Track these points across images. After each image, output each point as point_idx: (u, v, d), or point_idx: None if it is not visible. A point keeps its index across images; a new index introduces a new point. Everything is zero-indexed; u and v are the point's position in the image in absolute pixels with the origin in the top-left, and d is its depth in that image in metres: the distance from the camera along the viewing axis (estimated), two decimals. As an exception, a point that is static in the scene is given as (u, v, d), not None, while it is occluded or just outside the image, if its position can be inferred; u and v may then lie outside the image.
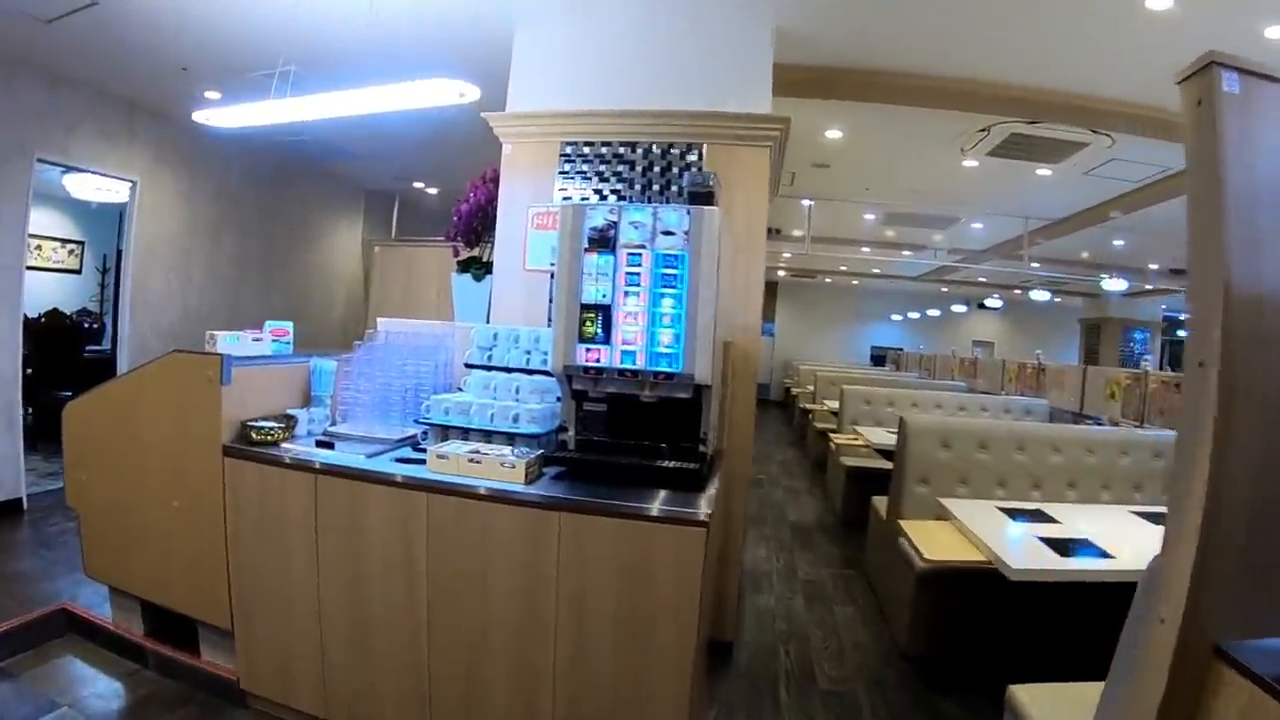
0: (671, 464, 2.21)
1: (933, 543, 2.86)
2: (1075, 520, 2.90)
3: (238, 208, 6.48)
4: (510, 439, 2.42)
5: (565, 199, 3.23)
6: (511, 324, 2.86)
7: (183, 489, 2.55)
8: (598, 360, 2.19)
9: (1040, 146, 5.72)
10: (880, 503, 4.21)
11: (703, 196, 2.32)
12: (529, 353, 2.71)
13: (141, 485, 2.64)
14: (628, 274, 2.18)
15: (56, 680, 2.69)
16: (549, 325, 3.17)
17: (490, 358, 2.74)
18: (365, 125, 5.73)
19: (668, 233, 2.17)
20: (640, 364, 2.17)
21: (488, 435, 2.45)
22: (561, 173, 3.25)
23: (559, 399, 2.51)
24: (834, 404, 6.99)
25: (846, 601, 4.07)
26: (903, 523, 3.33)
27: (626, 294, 2.18)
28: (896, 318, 19.96)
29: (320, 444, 2.47)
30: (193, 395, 2.50)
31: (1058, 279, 11.80)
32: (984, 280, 15.76)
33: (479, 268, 3.38)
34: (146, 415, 2.61)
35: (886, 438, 4.79)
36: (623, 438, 2.31)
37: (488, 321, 3.27)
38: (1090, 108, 4.61)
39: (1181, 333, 17.22)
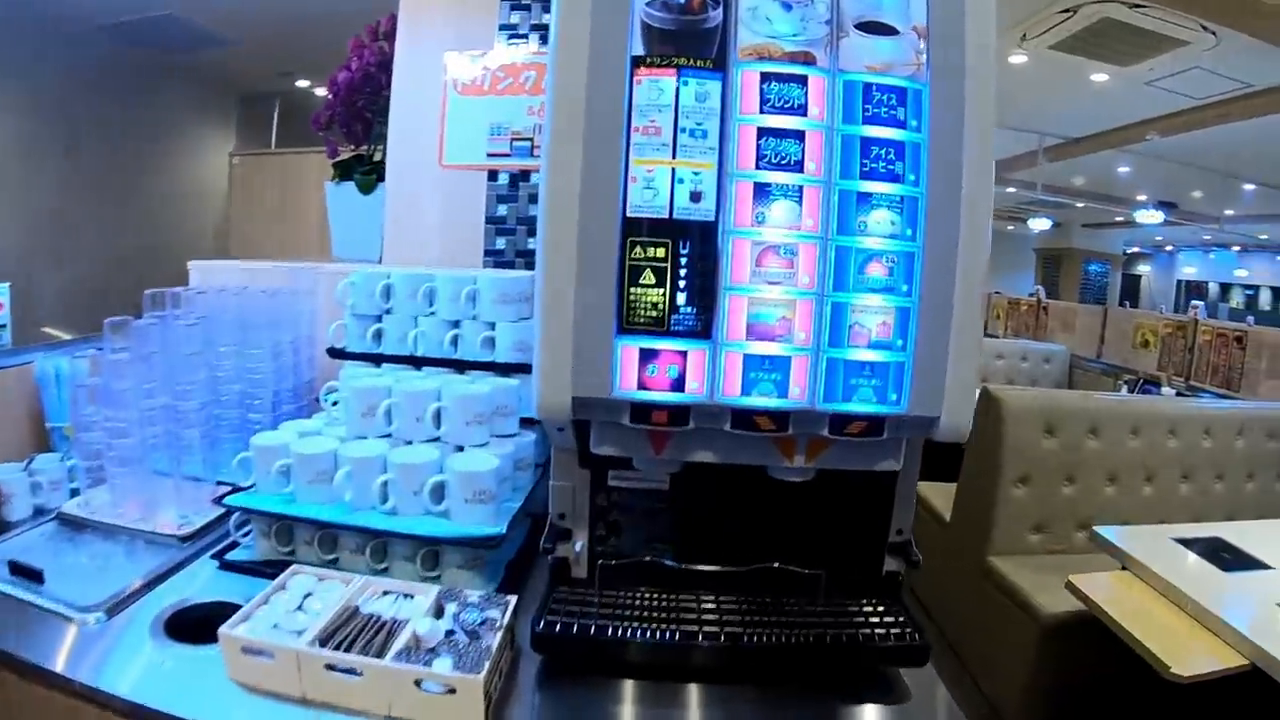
0: (850, 626, 0.86)
1: (1142, 621, 1.68)
2: (1258, 551, 1.89)
3: (60, 119, 4.89)
4: (428, 553, 1.02)
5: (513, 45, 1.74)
6: (419, 266, 1.41)
7: None
8: (678, 384, 0.77)
9: (1127, 39, 4.74)
10: (935, 494, 2.92)
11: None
12: (457, 324, 1.32)
13: None
14: (762, 133, 0.76)
15: None
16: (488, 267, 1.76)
17: (380, 335, 1.31)
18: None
19: (874, 28, 0.76)
20: (801, 393, 0.77)
21: (376, 540, 1.04)
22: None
23: (529, 423, 1.14)
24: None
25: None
26: (1074, 579, 2.08)
27: (762, 192, 0.76)
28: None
29: (16, 570, 1.04)
30: None
31: (1063, 203, 10.85)
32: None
33: (367, 170, 1.92)
34: None
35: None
36: (709, 550, 0.92)
37: (380, 261, 1.83)
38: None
39: (1143, 268, 16.65)
